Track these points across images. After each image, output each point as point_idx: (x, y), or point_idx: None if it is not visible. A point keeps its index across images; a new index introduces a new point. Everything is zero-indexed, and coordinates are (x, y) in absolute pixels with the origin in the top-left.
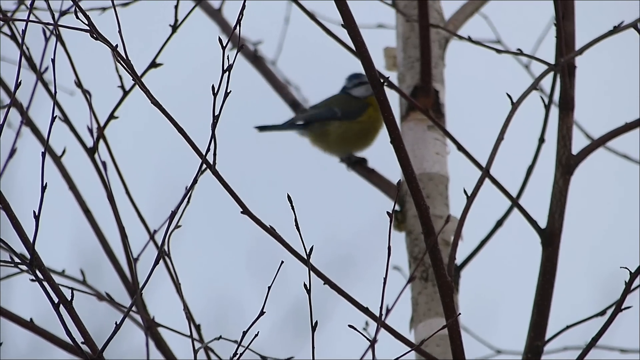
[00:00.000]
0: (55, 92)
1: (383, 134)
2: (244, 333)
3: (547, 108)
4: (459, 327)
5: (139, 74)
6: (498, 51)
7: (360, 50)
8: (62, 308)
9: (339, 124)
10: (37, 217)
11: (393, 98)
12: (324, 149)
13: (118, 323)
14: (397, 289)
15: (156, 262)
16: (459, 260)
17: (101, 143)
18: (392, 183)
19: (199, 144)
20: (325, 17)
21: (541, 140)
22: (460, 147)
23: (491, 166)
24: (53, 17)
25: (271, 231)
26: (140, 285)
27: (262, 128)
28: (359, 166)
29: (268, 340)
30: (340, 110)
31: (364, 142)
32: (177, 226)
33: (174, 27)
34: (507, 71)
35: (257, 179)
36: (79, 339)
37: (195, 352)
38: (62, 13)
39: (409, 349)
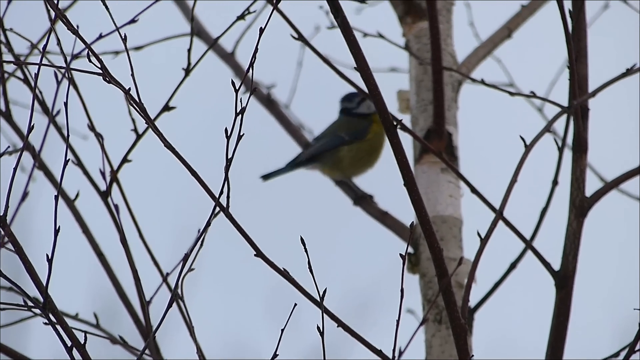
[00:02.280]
0: (68, 135)
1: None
2: None
3: (561, 150)
4: None
5: (152, 117)
6: (511, 94)
7: (374, 93)
8: (75, 351)
9: (348, 148)
10: (50, 261)
11: (406, 141)
12: (339, 176)
13: None
14: (411, 331)
15: (169, 305)
16: (472, 302)
17: (114, 186)
18: (405, 226)
19: (213, 187)
20: (338, 61)
21: (555, 182)
22: (473, 190)
23: (504, 208)
24: (65, 61)
25: (285, 274)
26: (154, 329)
27: (266, 177)
28: (371, 207)
29: None
30: (347, 133)
31: (376, 157)
32: (190, 269)
33: (187, 71)
34: (520, 114)
35: (270, 222)
36: None
37: None
38: (75, 56)
39: None
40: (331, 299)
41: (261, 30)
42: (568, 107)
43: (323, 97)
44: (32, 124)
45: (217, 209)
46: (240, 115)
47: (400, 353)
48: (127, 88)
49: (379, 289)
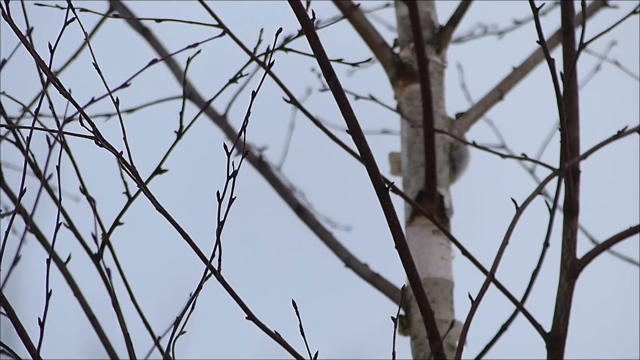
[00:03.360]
0: (60, 198)
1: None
2: None
3: (552, 212)
4: None
5: (144, 181)
6: (503, 156)
7: (366, 156)
8: None
9: None
10: (42, 324)
11: (398, 203)
12: None
13: None
14: None
15: None
16: None
17: (106, 249)
18: (397, 288)
19: (204, 249)
20: (330, 123)
21: (546, 244)
22: (465, 252)
23: (496, 271)
24: (58, 124)
25: (276, 337)
26: None
27: None
28: (363, 269)
29: None
30: None
31: None
32: (182, 332)
33: (179, 133)
34: (511, 175)
35: (262, 284)
36: None
37: None
38: (67, 120)
39: None
40: None
41: (253, 94)
42: (559, 169)
43: (315, 159)
44: (24, 187)
45: (209, 271)
46: (232, 179)
47: None
48: (119, 151)
49: (370, 351)
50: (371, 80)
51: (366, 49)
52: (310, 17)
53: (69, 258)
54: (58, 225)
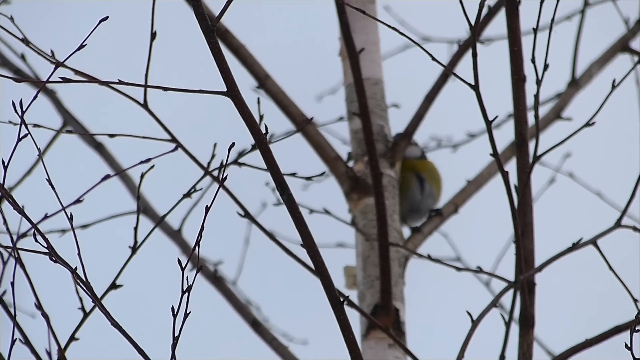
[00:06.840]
0: (15, 314)
1: None
2: None
3: (508, 325)
4: None
5: (99, 296)
6: (458, 269)
7: (320, 270)
8: None
9: None
10: None
11: (353, 316)
12: None
13: None
14: None
15: None
16: None
17: None
18: None
19: None
20: (285, 237)
21: (502, 358)
22: None
23: None
24: (12, 240)
25: None
26: None
27: None
28: None
29: None
30: None
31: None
32: None
33: (134, 248)
34: (467, 288)
35: None
36: None
37: None
38: (21, 236)
39: None
40: None
41: (207, 208)
42: (514, 282)
43: (270, 273)
44: None
45: None
46: (186, 294)
47: None
48: (73, 267)
49: None
50: (326, 193)
51: (320, 163)
52: (264, 131)
53: None
54: (13, 341)
